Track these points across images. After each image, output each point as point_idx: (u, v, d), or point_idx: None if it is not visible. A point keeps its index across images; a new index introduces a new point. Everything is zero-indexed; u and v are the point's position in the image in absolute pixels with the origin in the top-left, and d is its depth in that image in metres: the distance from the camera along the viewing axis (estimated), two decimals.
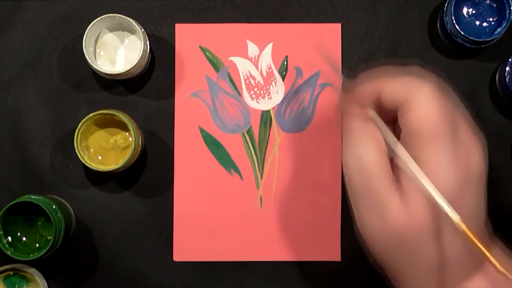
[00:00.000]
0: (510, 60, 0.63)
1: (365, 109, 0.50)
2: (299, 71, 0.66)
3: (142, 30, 0.63)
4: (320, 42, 0.63)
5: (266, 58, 0.66)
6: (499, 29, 0.62)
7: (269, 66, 0.66)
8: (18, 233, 0.63)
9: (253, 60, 0.66)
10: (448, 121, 0.47)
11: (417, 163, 0.47)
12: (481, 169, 0.48)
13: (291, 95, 0.66)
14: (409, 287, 0.51)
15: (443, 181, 0.46)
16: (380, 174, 0.48)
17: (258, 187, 0.66)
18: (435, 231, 0.48)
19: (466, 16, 0.64)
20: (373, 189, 0.48)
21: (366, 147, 0.49)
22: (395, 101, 0.48)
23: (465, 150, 0.47)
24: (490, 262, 0.45)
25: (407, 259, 0.49)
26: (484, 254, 0.45)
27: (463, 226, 0.45)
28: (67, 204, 0.65)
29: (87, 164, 0.62)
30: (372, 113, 0.50)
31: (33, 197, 0.61)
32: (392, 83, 0.49)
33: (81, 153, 0.62)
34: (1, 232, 0.60)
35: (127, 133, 0.64)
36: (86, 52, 0.62)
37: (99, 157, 0.64)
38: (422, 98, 0.47)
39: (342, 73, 0.64)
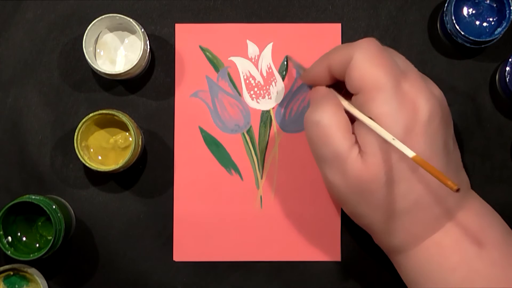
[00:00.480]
0: (510, 60, 0.63)
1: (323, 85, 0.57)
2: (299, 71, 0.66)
3: (142, 30, 0.63)
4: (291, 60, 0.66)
5: (266, 58, 0.66)
6: (499, 29, 0.62)
7: (269, 66, 0.66)
8: (18, 233, 0.63)
9: (253, 60, 0.66)
10: (386, 73, 0.52)
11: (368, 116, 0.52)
12: (429, 112, 0.52)
13: (291, 95, 0.66)
14: (379, 235, 0.56)
15: (390, 128, 0.51)
16: (337, 126, 0.53)
17: (258, 187, 0.66)
18: (393, 180, 0.52)
19: (466, 16, 0.64)
20: (331, 140, 0.53)
21: (324, 105, 0.54)
22: (341, 68, 0.54)
23: (409, 97, 0.52)
24: (447, 184, 0.47)
25: (369, 207, 0.53)
26: (439, 177, 0.47)
27: (417, 159, 0.49)
28: (67, 204, 0.65)
29: (87, 164, 0.62)
30: (328, 88, 0.57)
31: (33, 197, 0.61)
32: (335, 53, 0.55)
33: (81, 153, 0.62)
34: (1, 232, 0.60)
35: (127, 133, 0.64)
36: (86, 52, 0.62)
37: (99, 157, 0.64)
38: (359, 57, 0.52)
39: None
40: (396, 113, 0.51)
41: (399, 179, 0.52)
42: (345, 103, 0.54)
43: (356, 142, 0.53)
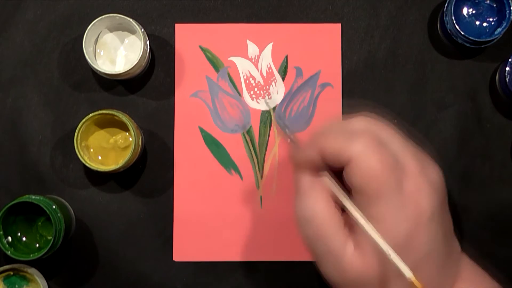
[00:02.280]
0: (510, 60, 0.63)
1: (316, 167, 0.52)
2: (299, 71, 0.66)
3: (142, 30, 0.63)
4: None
5: (266, 58, 0.66)
6: (499, 29, 0.62)
7: (269, 66, 0.66)
8: (18, 233, 0.63)
9: (253, 60, 0.66)
10: (387, 174, 0.48)
11: (368, 219, 0.49)
12: (431, 211, 0.49)
13: (291, 95, 0.66)
14: None
15: (393, 234, 0.48)
16: (330, 223, 0.50)
17: (258, 187, 0.66)
18: (390, 276, 0.50)
19: (466, 16, 0.64)
20: (325, 237, 0.50)
21: (314, 198, 0.51)
22: (338, 161, 0.50)
23: (411, 196, 0.49)
24: None
25: None
26: None
27: (414, 281, 0.47)
28: (67, 204, 0.65)
29: (87, 164, 0.62)
30: (323, 171, 0.52)
31: (33, 197, 0.61)
32: (329, 142, 0.50)
33: (81, 153, 0.62)
34: (1, 232, 0.60)
35: (127, 133, 0.64)
36: (86, 52, 0.62)
37: (99, 157, 0.64)
38: (359, 158, 0.49)
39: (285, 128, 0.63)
40: (398, 218, 0.48)
41: (396, 276, 0.50)
42: (342, 198, 0.51)
43: (350, 234, 0.51)
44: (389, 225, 0.49)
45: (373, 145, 0.49)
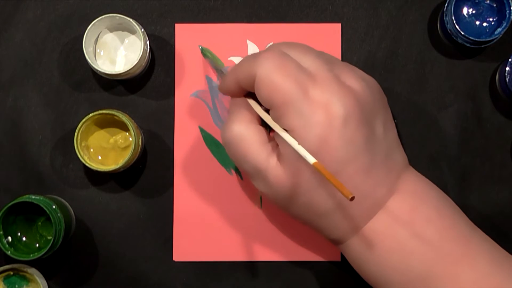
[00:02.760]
0: (510, 60, 0.63)
1: (240, 93, 0.56)
2: None
3: (142, 30, 0.63)
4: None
5: None
6: (499, 29, 0.62)
7: None
8: (18, 233, 0.63)
9: None
10: (291, 86, 0.51)
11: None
12: (344, 115, 0.51)
13: None
14: (318, 231, 0.57)
15: (304, 141, 0.50)
16: (253, 139, 0.53)
17: None
18: (314, 183, 0.52)
19: (466, 16, 0.64)
20: (250, 153, 0.53)
21: (238, 119, 0.54)
22: (249, 84, 0.53)
23: (320, 104, 0.51)
24: (343, 192, 0.47)
25: (300, 209, 0.54)
26: (336, 185, 0.48)
27: (317, 165, 0.49)
28: (67, 204, 0.65)
29: (87, 164, 0.62)
30: (244, 98, 0.56)
31: (33, 197, 0.61)
32: (240, 68, 0.54)
33: (81, 153, 0.62)
34: (1, 232, 0.60)
35: (127, 133, 0.64)
36: (86, 52, 0.62)
37: (99, 157, 0.64)
38: (262, 74, 0.52)
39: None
40: (307, 125, 0.51)
41: (321, 185, 0.52)
42: (261, 113, 0.54)
43: (274, 149, 0.54)
44: (299, 133, 0.51)
45: (274, 59, 0.52)
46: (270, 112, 0.53)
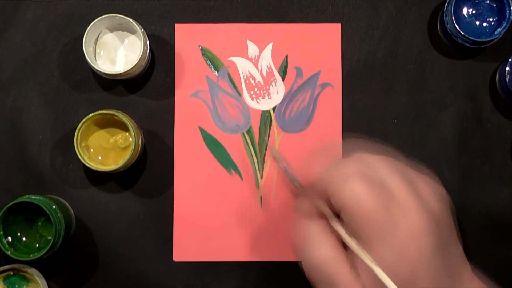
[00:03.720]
0: (510, 60, 0.63)
1: (319, 207, 0.51)
2: (299, 71, 0.66)
3: (142, 30, 0.63)
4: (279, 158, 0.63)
5: (266, 58, 0.66)
6: (499, 29, 0.62)
7: (269, 66, 0.66)
8: (18, 233, 0.63)
9: (253, 60, 0.66)
10: (380, 216, 0.47)
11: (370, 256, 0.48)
12: (432, 245, 0.48)
13: (291, 95, 0.66)
14: None
15: (395, 275, 0.47)
16: (339, 269, 0.49)
17: (258, 187, 0.66)
18: None
19: (466, 16, 0.64)
20: (334, 284, 0.50)
21: (323, 244, 0.50)
22: (334, 206, 0.49)
23: (410, 235, 0.47)
24: None
25: None
26: None
27: None
28: (67, 204, 0.65)
29: (87, 164, 0.62)
30: (326, 210, 0.51)
31: (33, 197, 0.61)
32: (320, 183, 0.50)
33: (81, 153, 0.62)
34: (1, 232, 0.60)
35: (127, 133, 0.64)
36: (86, 52, 0.62)
37: (99, 157, 0.64)
38: (350, 205, 0.48)
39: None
40: (398, 259, 0.47)
41: None
42: (348, 241, 0.50)
43: (358, 278, 0.50)
44: (390, 267, 0.48)
45: (364, 188, 0.48)
46: (355, 239, 0.49)
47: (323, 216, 0.52)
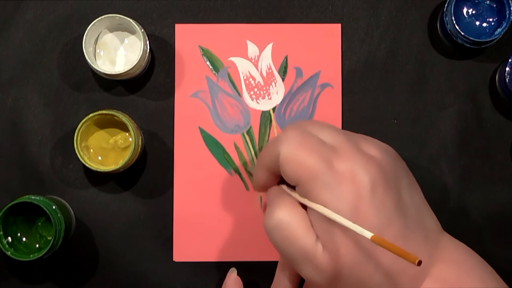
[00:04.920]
0: (510, 60, 0.63)
1: (274, 181, 0.56)
2: (299, 72, 0.66)
3: (142, 30, 0.63)
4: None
5: (266, 59, 0.66)
6: (499, 30, 0.62)
7: (269, 66, 0.66)
8: (18, 233, 0.63)
9: (253, 61, 0.66)
10: (315, 160, 0.50)
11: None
12: (370, 183, 0.50)
13: (291, 96, 0.66)
14: None
15: (338, 212, 0.50)
16: (298, 225, 0.52)
17: None
18: (359, 263, 0.51)
19: (466, 16, 0.64)
20: (296, 240, 0.52)
21: (278, 208, 0.53)
22: (276, 167, 0.53)
23: (346, 175, 0.50)
24: (408, 259, 0.46)
25: None
26: (399, 253, 0.47)
27: (375, 239, 0.48)
28: (67, 204, 0.65)
29: (87, 165, 0.62)
30: (277, 186, 0.56)
31: (33, 197, 0.61)
32: (265, 154, 0.54)
33: (81, 153, 0.62)
34: (1, 233, 0.60)
35: (127, 134, 0.64)
36: (86, 52, 0.62)
37: (99, 158, 0.64)
38: (284, 153, 0.51)
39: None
40: (337, 197, 0.50)
41: (365, 260, 0.51)
42: (297, 196, 0.53)
43: (314, 232, 0.53)
44: (332, 206, 0.50)
45: (295, 136, 0.52)
46: (296, 189, 0.53)
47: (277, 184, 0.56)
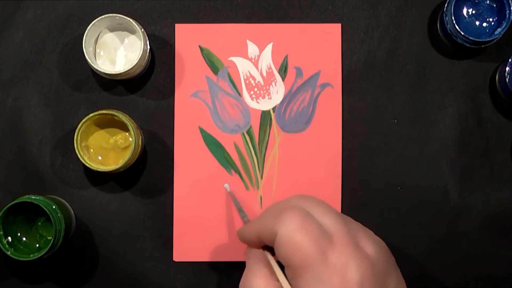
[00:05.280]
0: (510, 60, 0.63)
1: (260, 244, 0.55)
2: (299, 71, 0.66)
3: (142, 30, 0.63)
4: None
5: (266, 58, 0.66)
6: (499, 29, 0.62)
7: (269, 66, 0.66)
8: (18, 233, 0.63)
9: (253, 60, 0.66)
10: (310, 246, 0.50)
11: None
12: (360, 281, 0.50)
13: (291, 95, 0.66)
14: None
15: None
16: None
17: (258, 187, 0.66)
18: None
19: (466, 16, 0.64)
20: None
21: (256, 273, 0.54)
22: (270, 241, 0.53)
23: (337, 269, 0.50)
24: None
25: None
26: None
27: None
28: (67, 204, 0.65)
29: (87, 164, 0.62)
30: (262, 252, 0.55)
31: (33, 197, 0.61)
32: (262, 225, 0.54)
33: (81, 153, 0.62)
34: (1, 233, 0.60)
35: (127, 133, 0.64)
36: (86, 52, 0.62)
37: (99, 157, 0.64)
38: (282, 235, 0.51)
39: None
40: None
41: None
42: (277, 272, 0.54)
43: None
44: None
45: (296, 218, 0.51)
46: (286, 270, 0.52)
47: (263, 248, 0.56)
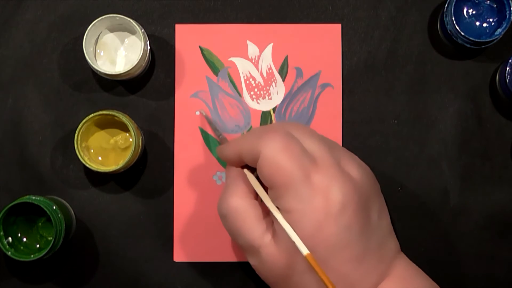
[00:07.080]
0: (510, 60, 0.63)
1: (239, 164, 0.56)
2: (299, 72, 0.66)
3: (142, 30, 0.63)
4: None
5: (266, 59, 0.66)
6: (499, 30, 0.62)
7: (269, 66, 0.66)
8: (18, 233, 0.63)
9: (253, 61, 0.66)
10: (292, 166, 0.50)
11: (280, 211, 0.52)
12: (341, 202, 0.51)
13: (291, 96, 0.66)
14: None
15: (300, 224, 0.50)
16: (248, 215, 0.53)
17: None
18: (306, 266, 0.52)
19: (466, 16, 0.64)
20: (244, 229, 0.53)
21: (234, 192, 0.54)
22: (251, 160, 0.53)
23: (320, 189, 0.51)
24: None
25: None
26: (324, 281, 0.49)
27: (309, 257, 0.49)
28: (67, 204, 0.65)
29: (87, 165, 0.62)
30: (242, 170, 0.56)
31: (34, 197, 0.61)
32: (244, 144, 0.54)
33: (81, 153, 0.62)
34: (2, 233, 0.60)
35: (128, 134, 0.64)
36: (86, 53, 0.62)
37: (99, 158, 0.64)
38: (266, 154, 0.51)
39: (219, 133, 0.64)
40: (305, 209, 0.50)
41: (304, 271, 0.52)
42: (259, 191, 0.54)
43: (269, 226, 0.53)
44: (296, 216, 0.50)
45: (280, 139, 0.51)
46: (268, 190, 0.53)
47: (242, 167, 0.56)
